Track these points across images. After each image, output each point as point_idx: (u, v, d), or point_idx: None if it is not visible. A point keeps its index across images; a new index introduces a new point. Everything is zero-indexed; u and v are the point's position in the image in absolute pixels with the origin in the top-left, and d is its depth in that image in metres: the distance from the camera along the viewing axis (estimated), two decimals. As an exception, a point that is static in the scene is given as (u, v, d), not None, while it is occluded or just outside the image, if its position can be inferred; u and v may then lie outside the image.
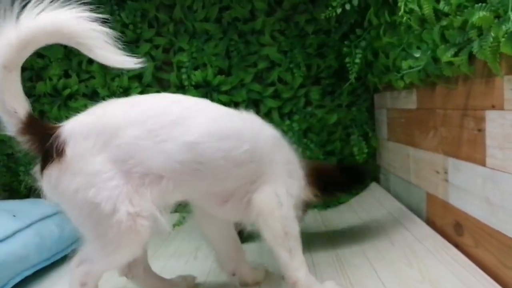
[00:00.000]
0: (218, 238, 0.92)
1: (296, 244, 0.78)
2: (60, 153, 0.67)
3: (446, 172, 1.00)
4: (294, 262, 0.77)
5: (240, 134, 0.76)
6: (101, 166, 0.67)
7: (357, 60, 1.30)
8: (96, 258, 0.71)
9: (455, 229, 0.96)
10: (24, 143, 0.70)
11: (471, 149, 0.87)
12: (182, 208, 1.36)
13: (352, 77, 1.32)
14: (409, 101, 1.24)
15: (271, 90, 1.63)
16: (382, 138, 1.60)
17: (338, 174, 1.06)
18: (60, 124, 0.72)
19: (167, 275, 0.93)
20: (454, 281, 0.81)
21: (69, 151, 0.67)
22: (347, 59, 1.32)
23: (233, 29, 1.60)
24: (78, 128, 0.70)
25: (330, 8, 1.21)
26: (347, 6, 1.18)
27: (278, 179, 0.79)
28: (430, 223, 1.11)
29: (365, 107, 1.66)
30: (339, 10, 1.19)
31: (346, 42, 1.32)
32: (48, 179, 0.68)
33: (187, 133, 0.70)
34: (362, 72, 1.55)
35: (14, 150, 1.64)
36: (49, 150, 0.68)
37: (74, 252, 0.76)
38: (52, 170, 0.67)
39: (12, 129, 0.70)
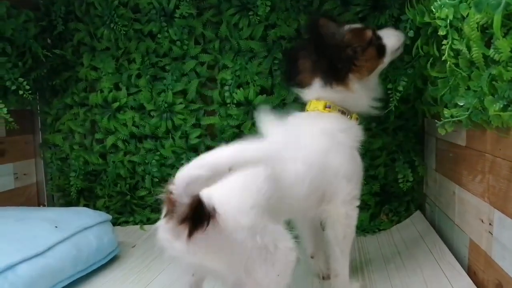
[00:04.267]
0: (307, 226, 1.13)
1: (348, 247, 0.97)
2: (213, 215, 0.71)
3: (491, 224, 0.91)
4: (342, 259, 0.97)
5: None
6: (254, 217, 0.76)
7: (400, 88, 1.21)
8: None
9: (496, 289, 0.88)
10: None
11: (519, 206, 0.78)
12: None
13: (392, 105, 1.24)
14: (458, 136, 1.14)
15: (313, 110, 1.58)
16: (430, 167, 1.50)
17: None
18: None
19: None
20: None
21: (221, 211, 0.72)
22: (389, 85, 1.24)
23: (278, 48, 1.58)
24: (215, 192, 0.72)
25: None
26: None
27: (348, 190, 0.97)
28: (471, 272, 1.02)
29: (414, 132, 1.56)
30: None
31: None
32: (205, 240, 0.71)
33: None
34: (411, 96, 1.46)
35: (67, 156, 1.75)
36: (195, 217, 0.70)
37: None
38: (210, 231, 0.70)
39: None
